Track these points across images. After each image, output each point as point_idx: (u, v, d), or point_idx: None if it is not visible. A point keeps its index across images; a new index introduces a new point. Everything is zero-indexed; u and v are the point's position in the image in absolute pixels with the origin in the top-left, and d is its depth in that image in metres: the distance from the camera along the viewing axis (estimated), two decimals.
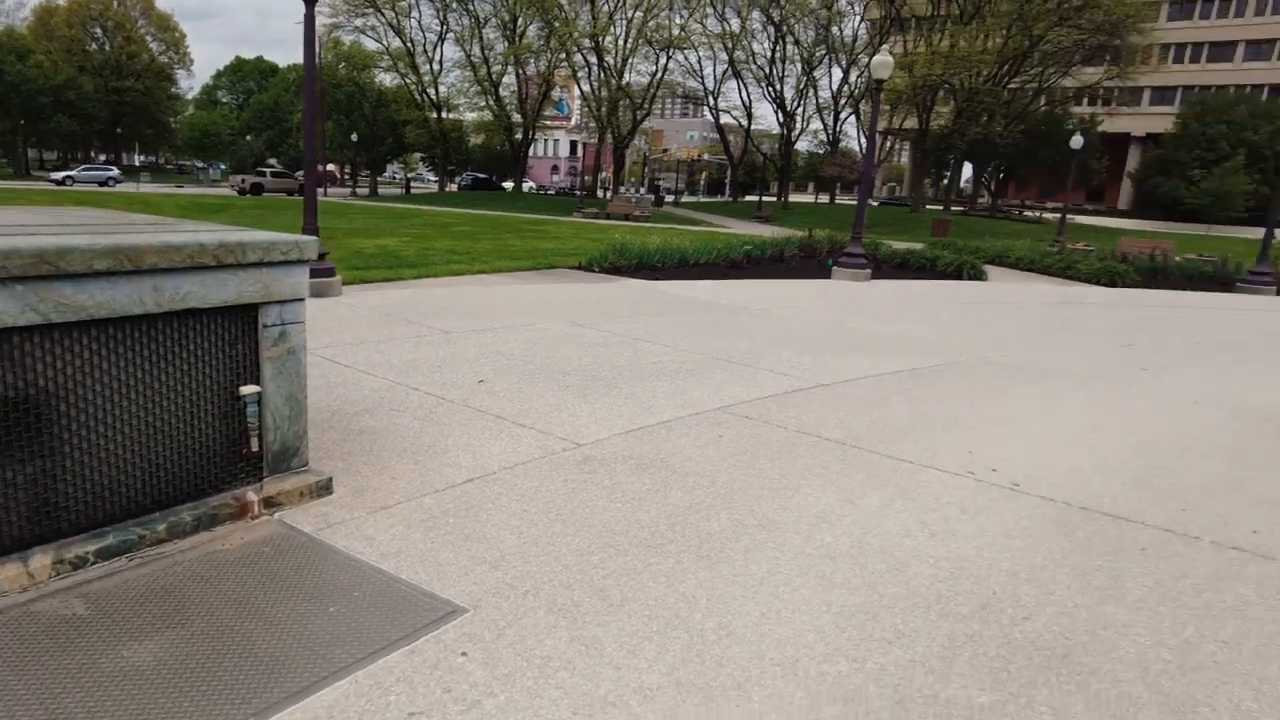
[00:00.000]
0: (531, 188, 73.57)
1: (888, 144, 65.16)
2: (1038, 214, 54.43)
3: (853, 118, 57.71)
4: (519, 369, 5.61)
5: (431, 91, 60.90)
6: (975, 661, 2.33)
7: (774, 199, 59.68)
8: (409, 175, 78.11)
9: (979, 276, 14.95)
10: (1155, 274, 17.47)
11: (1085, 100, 59.07)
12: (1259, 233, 18.80)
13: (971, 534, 3.24)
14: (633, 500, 3.38)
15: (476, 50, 57.19)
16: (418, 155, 78.67)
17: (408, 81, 60.06)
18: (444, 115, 62.67)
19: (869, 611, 2.58)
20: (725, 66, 57.93)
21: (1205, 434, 5.01)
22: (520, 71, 59.01)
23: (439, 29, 58.21)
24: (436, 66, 60.35)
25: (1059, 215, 33.70)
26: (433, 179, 77.45)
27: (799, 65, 57.60)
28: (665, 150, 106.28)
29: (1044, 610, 2.67)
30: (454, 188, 68.51)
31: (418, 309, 8.00)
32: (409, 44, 58.01)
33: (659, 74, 58.76)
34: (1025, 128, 52.03)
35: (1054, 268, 17.23)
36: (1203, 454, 4.56)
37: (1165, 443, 4.75)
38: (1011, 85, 51.52)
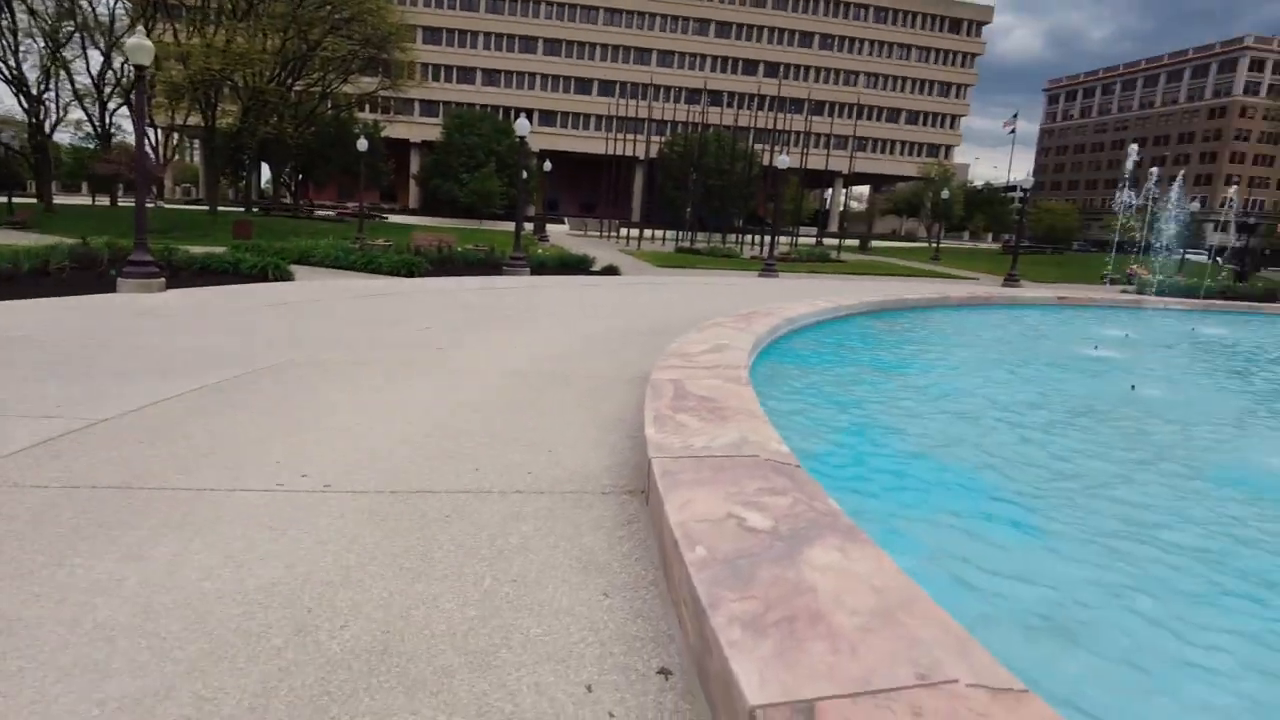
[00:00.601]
0: None
1: (175, 140, 59.16)
2: (338, 213, 56.70)
3: (126, 108, 50.35)
4: None
5: None
6: (293, 697, 2.13)
7: (34, 200, 48.51)
8: None
9: (285, 277, 14.68)
10: (444, 263, 19.97)
11: (368, 107, 63.51)
12: (513, 226, 23.07)
13: (283, 553, 3.01)
14: None
15: None
16: None
17: None
18: None
19: (154, 691, 2.13)
20: None
21: (488, 397, 5.78)
22: None
23: None
24: None
25: (358, 214, 35.58)
26: None
27: (41, 41, 47.49)
28: None
29: (361, 611, 2.62)
30: None
31: None
32: None
33: None
34: (316, 130, 53.36)
35: (359, 264, 18.11)
36: (491, 414, 5.24)
37: (460, 410, 5.30)
38: (297, 87, 52.01)
